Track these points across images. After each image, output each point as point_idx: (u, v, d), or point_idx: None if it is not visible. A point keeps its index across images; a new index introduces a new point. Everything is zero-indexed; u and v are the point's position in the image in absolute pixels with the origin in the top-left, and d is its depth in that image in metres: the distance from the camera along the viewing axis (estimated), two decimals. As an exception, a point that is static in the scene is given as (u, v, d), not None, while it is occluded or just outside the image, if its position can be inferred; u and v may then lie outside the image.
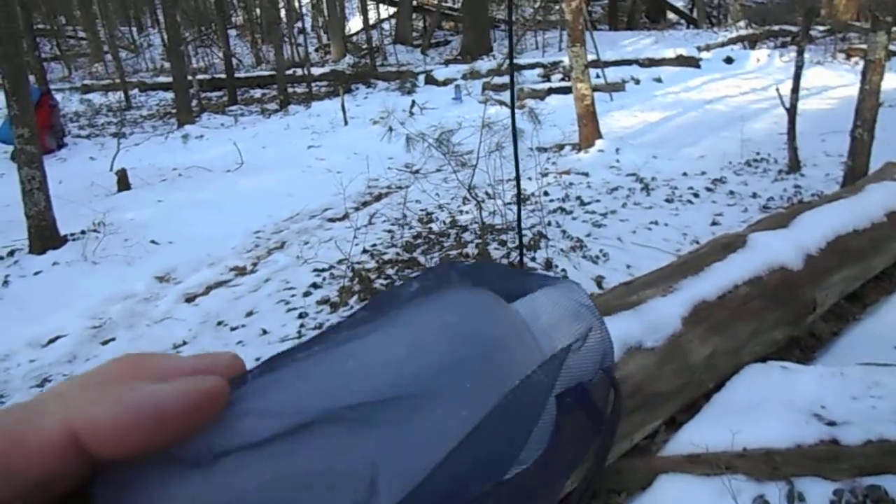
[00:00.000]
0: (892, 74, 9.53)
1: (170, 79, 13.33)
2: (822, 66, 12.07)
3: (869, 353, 3.07)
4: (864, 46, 6.88)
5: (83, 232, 5.84)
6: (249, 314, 4.27)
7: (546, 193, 6.03)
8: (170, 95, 13.98)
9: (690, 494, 2.23)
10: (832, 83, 10.67)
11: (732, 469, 2.21)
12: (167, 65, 15.88)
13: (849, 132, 5.44)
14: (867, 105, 5.23)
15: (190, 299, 4.64)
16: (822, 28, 13.81)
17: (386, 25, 22.02)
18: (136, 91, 16.05)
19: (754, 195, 5.84)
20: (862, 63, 5.46)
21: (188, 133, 10.81)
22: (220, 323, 4.20)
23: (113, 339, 4.13)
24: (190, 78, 13.74)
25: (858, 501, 2.08)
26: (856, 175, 5.18)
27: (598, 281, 4.17)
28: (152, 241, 5.73)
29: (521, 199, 5.90)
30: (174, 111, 12.69)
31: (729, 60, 13.57)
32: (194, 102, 13.37)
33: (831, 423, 2.31)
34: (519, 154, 6.62)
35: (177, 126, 11.75)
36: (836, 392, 2.50)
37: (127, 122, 12.74)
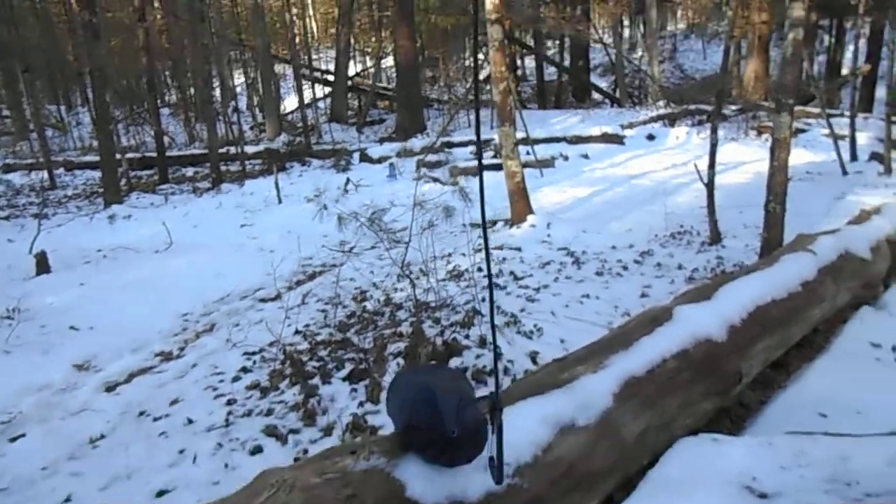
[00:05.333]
0: (798, 150, 10.20)
1: (98, 157, 13.06)
2: (736, 143, 12.81)
3: (796, 421, 3.14)
4: (771, 125, 7.34)
5: (-5, 319, 5.53)
6: (174, 402, 4.06)
7: (479, 269, 6.08)
8: (98, 174, 13.68)
9: (629, 578, 2.18)
10: (746, 158, 11.31)
11: (669, 549, 2.18)
12: (96, 143, 15.60)
13: (763, 205, 5.73)
14: (777, 180, 5.53)
15: (110, 388, 4.40)
16: (734, 107, 14.74)
17: (321, 104, 22.35)
18: (61, 170, 15.67)
19: (680, 266, 6.03)
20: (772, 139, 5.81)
21: (115, 213, 10.54)
22: (142, 413, 3.98)
23: (23, 435, 3.85)
24: (119, 156, 13.51)
25: (793, 576, 2.07)
26: (771, 246, 5.43)
27: (533, 356, 4.18)
28: (71, 327, 5.46)
29: (458, 275, 5.92)
30: (101, 190, 12.39)
31: (651, 137, 14.28)
32: (123, 181, 13.12)
33: (763, 496, 2.32)
34: (451, 231, 6.69)
35: (103, 206, 11.45)
36: (765, 462, 2.53)
37: (50, 203, 12.36)
